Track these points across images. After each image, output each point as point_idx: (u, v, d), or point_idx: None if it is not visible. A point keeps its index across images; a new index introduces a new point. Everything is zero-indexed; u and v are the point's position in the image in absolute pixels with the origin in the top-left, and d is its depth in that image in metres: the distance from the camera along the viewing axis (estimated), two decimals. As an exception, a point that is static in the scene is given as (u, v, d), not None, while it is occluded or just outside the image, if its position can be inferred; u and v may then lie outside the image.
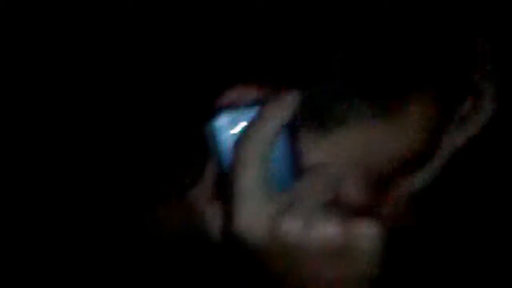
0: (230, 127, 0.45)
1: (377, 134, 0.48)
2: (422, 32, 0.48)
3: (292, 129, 0.45)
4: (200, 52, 0.50)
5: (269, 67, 0.47)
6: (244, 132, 0.44)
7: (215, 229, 0.49)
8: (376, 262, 0.43)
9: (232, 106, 0.46)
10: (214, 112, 0.45)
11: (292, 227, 0.42)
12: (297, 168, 0.45)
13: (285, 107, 0.43)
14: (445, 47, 0.49)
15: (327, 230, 0.42)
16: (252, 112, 0.44)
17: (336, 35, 0.46)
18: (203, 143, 0.47)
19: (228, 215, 0.44)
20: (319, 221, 0.42)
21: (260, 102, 0.45)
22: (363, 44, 0.46)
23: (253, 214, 0.43)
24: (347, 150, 0.48)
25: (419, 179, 0.54)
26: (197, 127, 0.48)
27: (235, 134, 0.45)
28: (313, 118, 0.47)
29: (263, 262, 0.44)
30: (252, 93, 0.46)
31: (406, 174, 0.53)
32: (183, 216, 0.54)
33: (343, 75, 0.46)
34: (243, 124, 0.45)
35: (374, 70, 0.46)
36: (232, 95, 0.46)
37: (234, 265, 0.51)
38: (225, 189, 0.45)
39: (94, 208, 0.54)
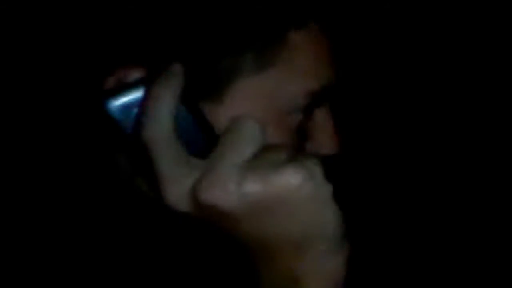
0: (126, 107, 0.46)
1: (269, 80, 0.51)
2: None
3: (192, 103, 0.46)
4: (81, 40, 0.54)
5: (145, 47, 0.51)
6: (143, 113, 0.44)
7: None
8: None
9: (121, 87, 0.47)
10: (105, 94, 0.47)
11: (254, 186, 0.42)
12: (209, 135, 0.46)
13: (173, 80, 0.44)
14: None
15: (287, 178, 0.42)
16: (140, 91, 0.46)
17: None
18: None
19: (157, 191, 0.44)
20: (276, 173, 0.42)
21: (144, 81, 0.46)
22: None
23: (179, 188, 0.43)
24: (247, 103, 0.51)
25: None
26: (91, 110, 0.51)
27: (133, 113, 0.46)
28: (204, 88, 0.51)
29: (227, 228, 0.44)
30: (134, 73, 0.49)
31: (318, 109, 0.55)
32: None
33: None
34: (136, 103, 0.46)
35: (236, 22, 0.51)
36: (117, 76, 0.49)
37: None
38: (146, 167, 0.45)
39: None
